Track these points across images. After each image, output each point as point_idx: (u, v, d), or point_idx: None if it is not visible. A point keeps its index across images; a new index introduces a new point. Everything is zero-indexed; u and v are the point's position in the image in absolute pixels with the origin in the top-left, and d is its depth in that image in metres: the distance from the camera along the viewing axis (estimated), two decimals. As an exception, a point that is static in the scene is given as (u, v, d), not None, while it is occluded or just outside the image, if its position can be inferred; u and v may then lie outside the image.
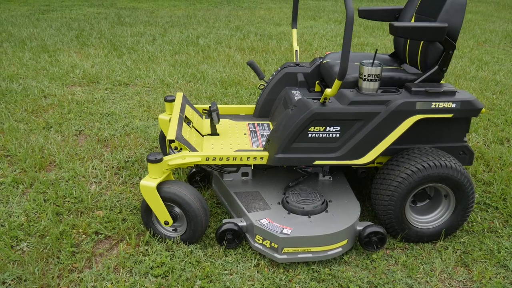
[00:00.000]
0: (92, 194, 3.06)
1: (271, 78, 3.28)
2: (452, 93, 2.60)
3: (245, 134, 3.07)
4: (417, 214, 2.73)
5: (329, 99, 2.60)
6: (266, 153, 2.65)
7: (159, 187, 2.52)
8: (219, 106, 3.40)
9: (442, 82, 2.80)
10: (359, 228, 2.57)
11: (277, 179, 2.90)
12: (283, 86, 3.23)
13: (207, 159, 2.65)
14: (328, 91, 2.43)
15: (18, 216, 2.80)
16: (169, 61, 6.16)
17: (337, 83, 2.36)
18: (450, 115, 2.58)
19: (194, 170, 3.15)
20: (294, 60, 3.37)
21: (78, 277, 2.35)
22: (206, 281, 2.34)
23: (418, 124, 2.63)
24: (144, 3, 11.56)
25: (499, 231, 2.84)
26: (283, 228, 2.45)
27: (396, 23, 2.51)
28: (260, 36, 7.95)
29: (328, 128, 2.55)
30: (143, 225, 2.73)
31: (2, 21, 8.50)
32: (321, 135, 2.56)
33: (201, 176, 3.16)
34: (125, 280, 2.33)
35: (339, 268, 2.48)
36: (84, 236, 2.68)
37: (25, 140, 3.77)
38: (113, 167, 3.41)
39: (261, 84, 3.36)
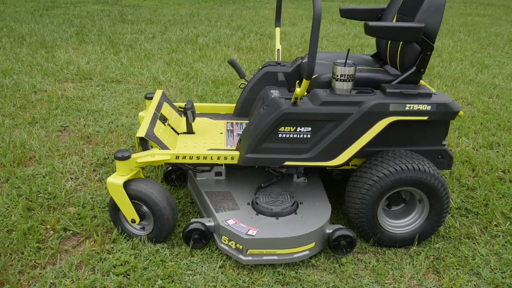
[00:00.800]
0: (67, 190, 3.05)
1: (252, 77, 3.24)
2: (428, 95, 2.54)
3: (221, 133, 3.03)
4: (391, 218, 2.67)
5: (302, 99, 2.56)
6: (237, 153, 2.61)
7: (127, 184, 2.50)
8: (202, 104, 3.37)
9: (428, 84, 2.73)
10: (328, 231, 2.51)
11: (251, 180, 2.86)
12: (263, 85, 3.19)
13: (177, 157, 2.62)
14: (297, 90, 2.39)
15: (-13, 211, 2.80)
16: (165, 59, 6.15)
17: (304, 83, 2.31)
18: (425, 118, 2.52)
19: (170, 168, 3.12)
20: (276, 59, 3.32)
21: (40, 274, 2.34)
22: (167, 281, 2.31)
23: (394, 127, 2.57)
24: (149, 1, 11.59)
25: (476, 237, 2.76)
26: (248, 229, 2.40)
27: (370, 23, 2.45)
28: (261, 35, 7.91)
29: (299, 129, 2.50)
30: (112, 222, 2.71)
31: (6, 17, 8.57)
32: (291, 135, 2.51)
33: (177, 174, 3.13)
34: (85, 278, 2.31)
35: (306, 271, 2.43)
36: (52, 232, 2.66)
37: (8, 135, 3.77)
38: (91, 164, 3.40)
39: (241, 83, 3.32)
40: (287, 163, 2.55)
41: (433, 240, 2.72)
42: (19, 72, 5.38)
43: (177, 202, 3.00)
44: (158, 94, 3.19)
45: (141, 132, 2.62)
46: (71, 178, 3.21)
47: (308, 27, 8.85)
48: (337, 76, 2.51)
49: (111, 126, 4.01)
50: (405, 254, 2.60)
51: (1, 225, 2.66)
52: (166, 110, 3.07)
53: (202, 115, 3.33)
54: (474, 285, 2.40)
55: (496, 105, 4.87)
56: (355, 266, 2.50)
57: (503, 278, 2.44)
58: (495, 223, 2.90)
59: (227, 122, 3.19)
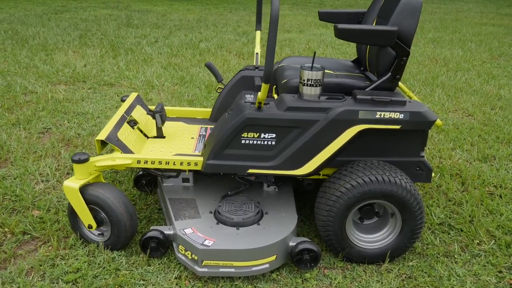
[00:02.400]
0: (35, 193, 2.98)
1: (229, 81, 3.14)
2: (402, 103, 2.39)
3: (192, 138, 2.93)
4: (362, 233, 2.53)
5: (268, 104, 2.44)
6: (201, 159, 2.51)
7: (84, 189, 2.41)
8: (179, 108, 3.27)
9: (411, 92, 2.59)
10: (291, 243, 2.38)
11: (219, 188, 2.74)
12: (240, 89, 3.08)
13: (139, 162, 2.52)
14: (259, 95, 2.27)
15: None
16: (163, 63, 6.10)
17: (264, 87, 2.20)
18: (398, 127, 2.37)
19: (140, 173, 3.03)
20: (254, 64, 3.22)
21: (-12, 279, 2.26)
22: (116, 291, 2.21)
23: (367, 135, 2.43)
24: (159, 6, 11.61)
25: (455, 256, 2.59)
26: (205, 239, 2.29)
27: (340, 25, 2.33)
28: (265, 41, 7.81)
29: (262, 135, 2.39)
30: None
31: (14, 20, 8.66)
32: (255, 141, 2.40)
33: (147, 180, 3.03)
34: (32, 285, 2.22)
35: (265, 285, 2.30)
36: (10, 235, 2.58)
37: (-11, 135, 3.74)
38: (66, 167, 3.33)
39: (219, 87, 3.22)
40: (250, 170, 2.43)
41: (407, 257, 2.56)
42: (14, 73, 5.38)
43: (144, 208, 2.90)
44: (131, 97, 3.11)
45: (102, 135, 2.54)
46: (42, 181, 3.14)
47: (316, 34, 8.74)
48: (304, 80, 2.39)
49: (93, 129, 3.95)
50: (375, 271, 2.45)
51: (-41, 227, 2.61)
52: (138, 113, 2.99)
53: (178, 119, 3.23)
54: (445, 307, 2.24)
55: (498, 117, 4.67)
56: (319, 282, 2.36)
57: (477, 301, 2.28)
58: (478, 241, 2.73)
59: (201, 127, 3.09)
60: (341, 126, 2.34)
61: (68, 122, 4.07)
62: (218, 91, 3.22)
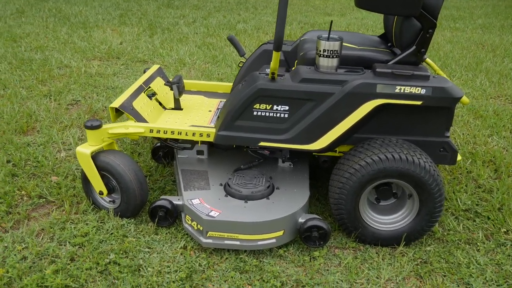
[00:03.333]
0: (56, 160, 3.03)
1: (250, 55, 3.06)
2: (425, 77, 2.25)
3: (210, 111, 2.88)
4: (377, 214, 2.41)
5: (283, 75, 2.36)
6: (214, 130, 2.46)
7: (96, 155, 2.42)
8: (200, 82, 3.24)
9: (440, 70, 2.44)
10: (301, 220, 2.30)
11: (234, 162, 2.69)
12: (261, 64, 3.00)
13: (151, 131, 2.51)
14: (271, 64, 2.19)
15: (-29, 173, 2.83)
16: (197, 43, 6.08)
17: (274, 55, 2.12)
18: (419, 103, 2.23)
19: (158, 144, 3.02)
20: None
21: (0, 237, 2.31)
22: (120, 256, 2.20)
23: (386, 112, 2.31)
24: (203, -11, 11.60)
25: (478, 243, 2.44)
26: (211, 210, 2.25)
27: (360, -7, 2.20)
28: (304, 24, 7.66)
29: (275, 107, 2.31)
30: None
31: (59, -1, 8.89)
32: (267, 114, 2.32)
33: (164, 152, 3.02)
34: (40, 245, 2.25)
35: (270, 261, 2.24)
36: (26, 198, 2.64)
37: (21, 105, 3.84)
38: (89, 137, 3.37)
39: (240, 62, 3.15)
40: (262, 143, 2.36)
41: (425, 242, 2.43)
42: (52, 49, 5.51)
43: (159, 179, 2.89)
44: (153, 69, 3.10)
45: (116, 103, 2.53)
46: (64, 149, 3.19)
47: (357, 18, 8.48)
48: (320, 51, 2.28)
49: (120, 103, 3.98)
50: (389, 254, 2.34)
51: (-21, 188, 2.68)
52: (158, 84, 2.97)
53: (199, 93, 3.20)
54: (460, 295, 2.11)
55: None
56: (328, 261, 2.28)
57: (496, 291, 2.13)
58: (505, 230, 2.55)
59: (220, 101, 3.04)
60: (357, 100, 2.23)
61: (97, 95, 4.13)
62: (240, 65, 3.16)
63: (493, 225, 2.59)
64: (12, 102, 3.85)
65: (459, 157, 2.57)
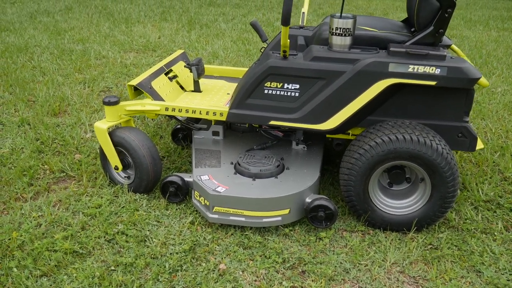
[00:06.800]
0: (82, 140, 3.15)
1: (271, 40, 3.07)
2: (441, 57, 2.18)
3: (228, 94, 2.91)
4: (388, 197, 2.35)
5: (297, 54, 2.35)
6: (226, 110, 2.48)
7: (113, 131, 2.50)
8: (222, 67, 3.28)
9: (461, 51, 2.37)
10: (308, 200, 2.28)
11: (249, 143, 2.70)
12: (282, 49, 3.00)
13: (167, 109, 2.56)
14: (281, 40, 2.19)
15: (1, 148, 2.98)
16: (233, 38, 6.15)
17: (283, 30, 2.11)
18: (433, 83, 2.17)
19: (178, 126, 3.07)
20: (300, 24, 3.11)
21: (20, 206, 2.42)
22: (128, 227, 2.26)
23: (401, 93, 2.26)
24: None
25: (495, 233, 2.33)
26: (218, 186, 2.27)
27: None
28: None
29: (286, 85, 2.30)
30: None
31: (107, -2, 9.22)
32: (278, 92, 2.32)
33: (184, 134, 3.07)
34: (56, 214, 2.35)
35: (275, 238, 2.23)
36: (48, 172, 2.76)
37: (56, 90, 4.01)
38: (115, 120, 3.48)
39: (262, 47, 3.16)
40: (272, 122, 2.36)
41: (438, 229, 2.34)
42: (93, 41, 5.73)
43: (177, 160, 2.94)
44: (176, 53, 3.17)
45: (135, 81, 2.61)
46: (91, 130, 3.31)
47: (399, 18, 8.30)
48: (333, 29, 2.26)
49: (150, 90, 4.08)
50: (398, 239, 2.28)
51: (7, 162, 2.82)
52: (179, 68, 3.03)
53: (221, 77, 3.24)
54: (469, 282, 2.02)
55: None
56: (334, 242, 2.24)
57: (508, 280, 2.02)
58: (528, 222, 2.43)
59: (240, 85, 3.06)
60: (369, 78, 2.19)
61: (129, 83, 4.25)
62: (261, 50, 3.17)
63: (516, 217, 2.47)
64: (48, 87, 4.04)
65: (480, 145, 2.47)
